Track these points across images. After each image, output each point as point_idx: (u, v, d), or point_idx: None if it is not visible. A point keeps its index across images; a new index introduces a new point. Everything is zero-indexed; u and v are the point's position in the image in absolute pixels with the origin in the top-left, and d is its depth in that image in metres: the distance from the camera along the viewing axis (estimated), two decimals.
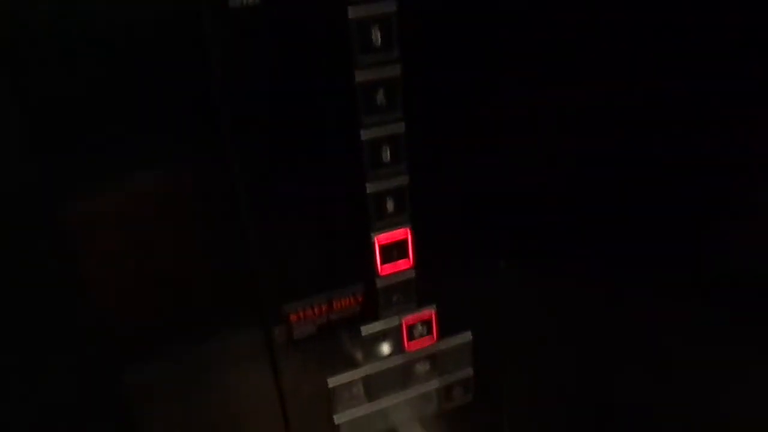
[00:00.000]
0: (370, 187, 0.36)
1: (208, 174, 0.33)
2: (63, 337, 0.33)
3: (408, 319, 0.41)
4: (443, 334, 0.42)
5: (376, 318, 0.40)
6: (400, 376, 0.42)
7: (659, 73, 0.39)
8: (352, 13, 0.32)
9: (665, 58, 0.39)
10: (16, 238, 0.30)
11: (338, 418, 0.42)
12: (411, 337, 0.41)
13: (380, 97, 0.34)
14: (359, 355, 0.41)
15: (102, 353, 0.34)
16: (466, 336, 0.43)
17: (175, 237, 0.34)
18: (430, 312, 0.41)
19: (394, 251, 0.38)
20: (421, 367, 0.43)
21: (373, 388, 0.42)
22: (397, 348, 0.41)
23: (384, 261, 0.38)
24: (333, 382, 0.41)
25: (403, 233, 0.38)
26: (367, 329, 0.40)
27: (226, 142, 0.32)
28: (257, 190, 0.34)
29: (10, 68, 0.28)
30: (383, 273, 0.38)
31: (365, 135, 0.35)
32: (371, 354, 0.41)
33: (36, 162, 0.29)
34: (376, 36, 0.32)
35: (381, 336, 0.41)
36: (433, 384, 0.44)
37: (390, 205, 0.37)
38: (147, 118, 0.31)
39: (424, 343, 0.42)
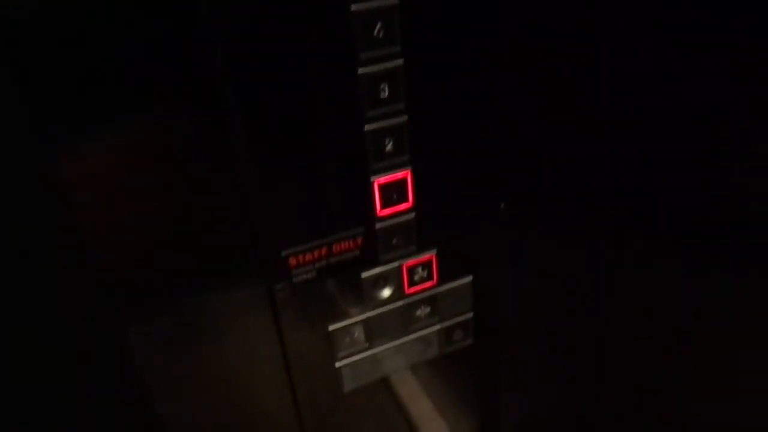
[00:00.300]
0: (369, 127, 0.35)
1: (206, 120, 0.32)
2: (63, 289, 0.33)
3: (408, 262, 0.40)
4: (443, 277, 0.42)
5: (376, 262, 0.40)
6: (400, 319, 0.42)
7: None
8: None
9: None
10: (12, 189, 0.29)
11: (339, 363, 0.42)
12: (411, 281, 0.41)
13: (378, 30, 0.32)
14: (359, 300, 0.40)
15: (102, 307, 0.34)
16: (467, 279, 0.43)
17: (174, 185, 0.33)
18: (430, 255, 0.41)
19: (393, 193, 0.37)
20: (421, 311, 0.43)
21: (374, 332, 0.42)
22: (397, 292, 0.41)
23: (383, 202, 0.37)
24: (333, 326, 0.41)
25: (402, 174, 0.37)
26: (367, 273, 0.40)
27: (222, 87, 0.31)
28: (254, 134, 0.33)
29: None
30: (382, 214, 0.38)
31: (362, 71, 0.33)
32: (371, 298, 0.41)
33: (30, 111, 0.28)
34: None
35: (381, 280, 0.40)
36: (433, 327, 0.44)
37: (389, 146, 0.36)
38: (144, 63, 0.30)
39: (424, 287, 0.42)
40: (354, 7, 0.32)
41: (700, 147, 0.41)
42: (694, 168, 0.42)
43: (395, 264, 0.40)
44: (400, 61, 0.34)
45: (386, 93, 0.34)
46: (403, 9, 0.33)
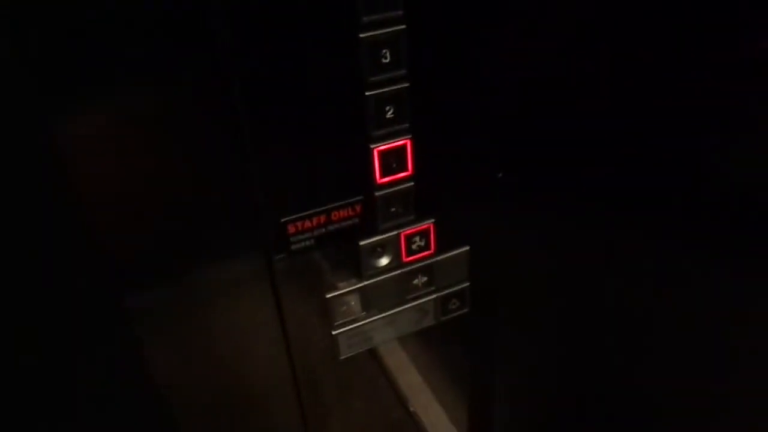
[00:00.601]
0: (370, 93, 0.35)
1: (204, 87, 0.32)
2: (59, 262, 0.32)
3: (406, 231, 0.40)
4: (441, 247, 0.42)
5: (374, 231, 0.40)
6: (397, 288, 0.43)
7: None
8: None
9: None
10: (10, 159, 0.29)
11: (336, 331, 0.42)
12: (409, 250, 0.41)
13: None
14: (357, 268, 0.41)
15: (102, 278, 0.34)
16: (464, 249, 0.43)
17: (171, 154, 0.33)
18: (428, 225, 0.41)
19: (393, 161, 0.37)
20: (418, 280, 0.43)
21: (370, 300, 0.42)
22: (395, 261, 0.41)
23: (383, 170, 0.37)
24: (330, 294, 0.41)
25: (402, 142, 0.37)
26: (365, 241, 0.40)
27: (222, 52, 0.31)
28: (253, 100, 0.32)
29: None
30: (381, 182, 0.37)
31: (364, 36, 0.33)
32: (369, 267, 0.41)
33: (32, 79, 0.28)
34: None
35: (379, 248, 0.40)
36: (430, 296, 0.44)
37: (390, 113, 0.35)
38: (145, 34, 0.29)
39: (421, 256, 0.42)
40: None
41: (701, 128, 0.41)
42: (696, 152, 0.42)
43: (393, 233, 0.40)
44: (402, 26, 0.33)
45: (388, 59, 0.34)
46: None
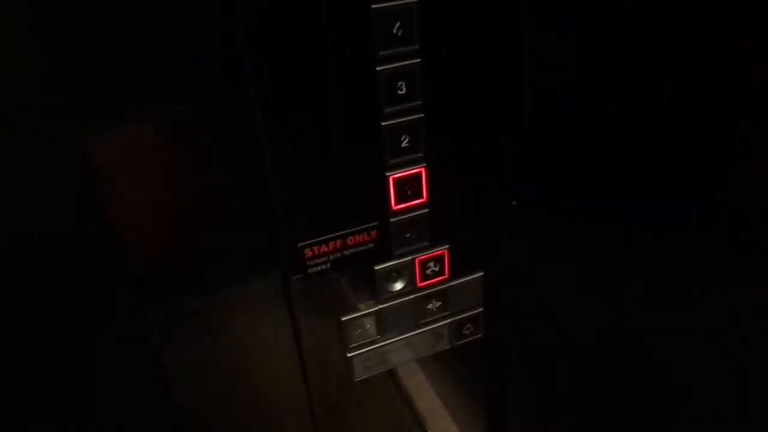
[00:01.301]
0: (386, 123, 0.36)
1: (227, 114, 0.33)
2: (84, 277, 0.34)
3: (421, 257, 0.41)
4: (455, 272, 0.43)
5: (389, 255, 0.40)
6: (412, 312, 0.43)
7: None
8: None
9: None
10: (37, 176, 0.30)
11: (351, 352, 0.43)
12: (423, 275, 0.42)
13: (396, 29, 0.33)
14: (372, 292, 0.41)
15: (123, 295, 0.35)
16: (478, 274, 0.44)
17: (194, 177, 0.34)
18: (442, 250, 0.42)
19: (408, 188, 0.38)
20: (432, 305, 0.44)
21: (385, 324, 0.43)
22: (409, 285, 0.42)
23: (398, 197, 0.38)
24: (345, 317, 0.42)
25: (417, 170, 0.38)
26: (380, 266, 0.40)
27: (244, 81, 0.32)
28: (274, 128, 0.34)
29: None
30: (396, 209, 0.38)
31: (381, 69, 0.34)
32: (383, 291, 0.42)
33: (59, 93, 0.29)
34: None
35: (394, 273, 0.41)
36: (444, 321, 0.45)
37: (405, 142, 0.37)
38: (171, 54, 0.31)
39: (435, 281, 0.43)
40: (375, 6, 0.32)
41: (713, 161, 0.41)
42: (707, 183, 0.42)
43: (408, 258, 0.41)
44: (417, 60, 0.35)
45: (403, 90, 0.35)
46: (423, 8, 0.33)
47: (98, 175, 0.32)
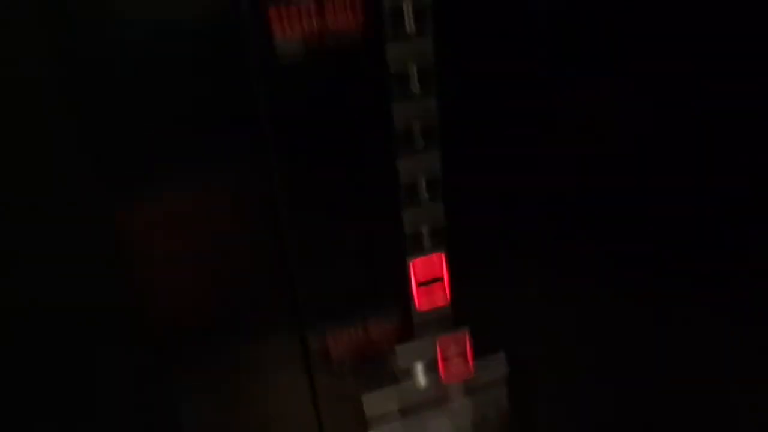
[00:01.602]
0: (407, 216, 0.37)
1: (251, 189, 0.34)
2: (105, 332, 0.34)
3: (443, 346, 0.42)
4: (476, 353, 0.43)
5: (410, 337, 0.41)
6: (435, 401, 0.43)
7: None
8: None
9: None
10: (67, 241, 0.32)
11: (371, 430, 0.43)
12: (446, 368, 0.42)
13: (416, 135, 0.34)
14: (394, 378, 0.42)
15: (143, 355, 0.36)
16: (501, 362, 0.44)
17: (217, 245, 0.35)
18: (463, 333, 0.42)
19: (431, 289, 0.39)
20: (456, 392, 0.43)
21: (409, 408, 0.43)
22: (432, 378, 0.42)
23: (421, 298, 0.39)
24: (367, 399, 0.42)
25: (439, 270, 0.39)
26: (402, 358, 0.41)
27: (269, 157, 0.33)
28: (298, 223, 0.35)
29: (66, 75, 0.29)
30: (421, 308, 0.39)
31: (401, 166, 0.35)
32: (406, 379, 0.42)
33: (88, 164, 0.31)
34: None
35: (416, 364, 0.41)
36: (467, 406, 0.44)
37: (426, 235, 0.37)
38: (193, 128, 0.32)
39: (459, 371, 0.43)
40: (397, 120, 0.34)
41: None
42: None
43: (430, 350, 0.41)
44: (437, 155, 0.35)
45: (425, 192, 0.36)
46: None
47: (123, 243, 0.33)
